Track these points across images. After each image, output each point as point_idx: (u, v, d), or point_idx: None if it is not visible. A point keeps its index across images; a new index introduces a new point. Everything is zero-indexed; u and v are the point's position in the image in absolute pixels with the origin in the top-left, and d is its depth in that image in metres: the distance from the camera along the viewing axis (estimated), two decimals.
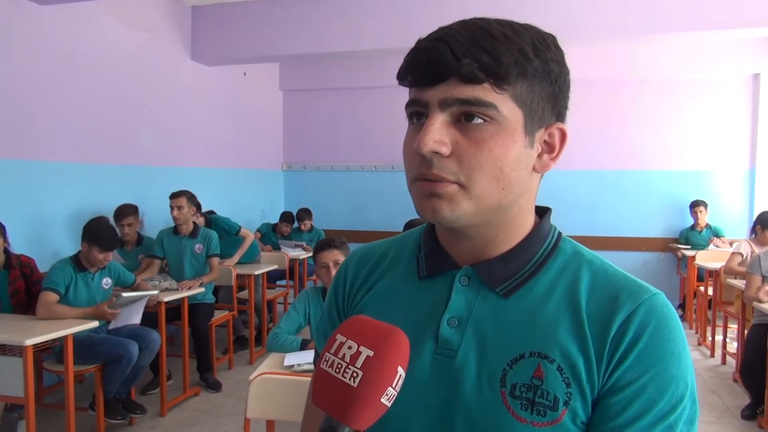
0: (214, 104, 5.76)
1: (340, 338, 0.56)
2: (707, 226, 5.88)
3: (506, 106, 0.59)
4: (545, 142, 0.63)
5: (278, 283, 5.83)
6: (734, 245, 4.52)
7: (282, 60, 6.56)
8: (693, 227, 5.93)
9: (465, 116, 0.59)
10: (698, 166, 6.24)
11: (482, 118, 0.58)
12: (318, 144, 7.16)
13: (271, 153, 7.15)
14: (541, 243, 0.67)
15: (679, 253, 5.88)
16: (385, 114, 6.59)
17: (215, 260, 4.17)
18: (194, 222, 4.19)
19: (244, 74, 6.31)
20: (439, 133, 0.58)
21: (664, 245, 6.28)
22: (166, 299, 3.58)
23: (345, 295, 0.77)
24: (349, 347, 0.54)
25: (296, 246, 5.80)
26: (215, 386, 3.99)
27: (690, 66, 5.95)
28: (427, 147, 0.58)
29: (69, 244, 3.91)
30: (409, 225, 3.01)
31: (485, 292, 0.65)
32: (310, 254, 5.69)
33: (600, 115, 6.23)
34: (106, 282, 3.33)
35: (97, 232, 3.20)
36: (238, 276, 4.58)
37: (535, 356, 0.61)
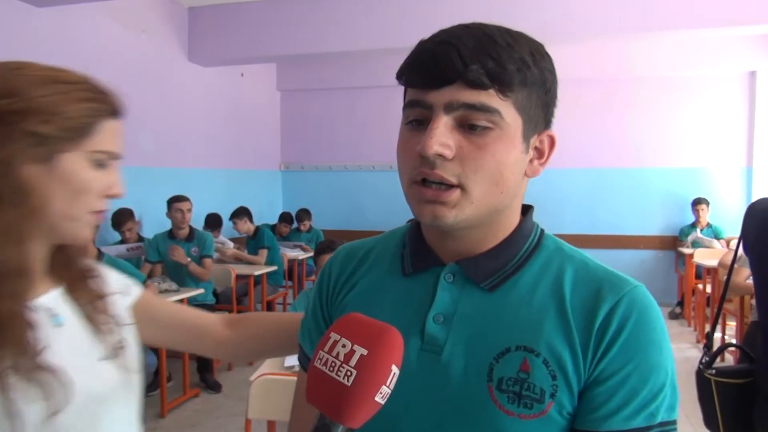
0: (211, 105, 5.76)
1: (334, 336, 0.56)
2: (708, 224, 5.88)
3: (509, 113, 0.60)
4: (536, 148, 0.65)
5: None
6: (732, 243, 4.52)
7: (279, 60, 6.56)
8: (694, 225, 5.93)
9: (468, 120, 0.60)
10: (696, 163, 6.25)
11: (486, 124, 0.59)
12: (316, 144, 7.16)
13: (268, 153, 7.15)
14: (525, 239, 0.68)
15: (686, 249, 5.82)
16: (383, 113, 6.59)
17: (208, 261, 4.19)
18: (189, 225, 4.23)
19: (242, 75, 6.31)
20: (443, 136, 0.59)
21: (662, 243, 6.29)
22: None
23: (329, 293, 0.77)
24: (343, 345, 0.54)
25: (295, 246, 5.81)
26: (215, 387, 3.99)
27: (687, 63, 5.96)
28: (432, 149, 0.58)
29: None
30: None
31: (470, 288, 0.66)
32: (310, 254, 5.70)
33: (597, 112, 6.24)
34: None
35: None
36: (238, 277, 4.59)
37: (521, 350, 0.62)
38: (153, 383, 3.85)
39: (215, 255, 4.58)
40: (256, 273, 4.71)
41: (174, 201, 4.15)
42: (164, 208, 4.19)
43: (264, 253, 5.09)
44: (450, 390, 0.63)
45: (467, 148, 0.60)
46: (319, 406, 0.55)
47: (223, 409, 3.70)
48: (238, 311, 4.78)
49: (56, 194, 0.72)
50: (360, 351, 0.53)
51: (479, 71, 0.58)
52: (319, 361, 0.55)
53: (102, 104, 0.77)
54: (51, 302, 0.75)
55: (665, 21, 4.27)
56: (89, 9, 4.15)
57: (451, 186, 0.61)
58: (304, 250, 5.76)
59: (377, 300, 0.70)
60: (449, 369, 0.64)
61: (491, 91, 0.59)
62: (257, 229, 5.28)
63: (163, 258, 4.16)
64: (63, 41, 3.99)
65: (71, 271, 0.80)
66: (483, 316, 0.65)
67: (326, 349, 0.55)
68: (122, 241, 4.19)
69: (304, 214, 6.15)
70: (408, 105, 0.63)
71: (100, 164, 0.77)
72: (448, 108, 0.59)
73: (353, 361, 0.53)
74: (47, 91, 0.71)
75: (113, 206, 4.17)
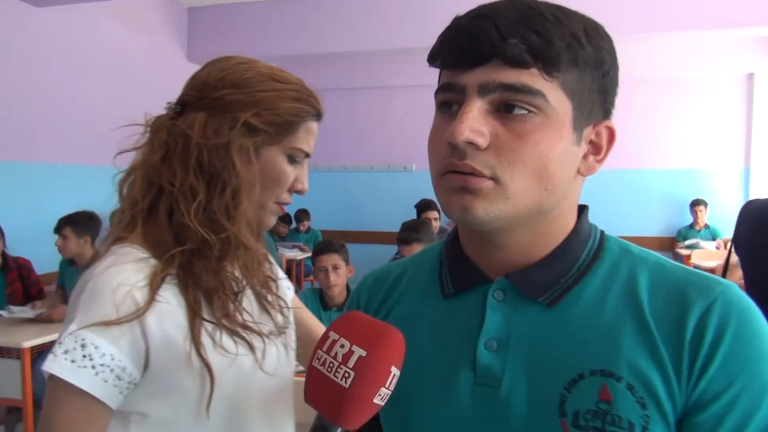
0: None
1: (332, 336, 0.54)
2: (706, 225, 5.90)
3: (555, 96, 0.51)
4: (591, 141, 0.55)
5: None
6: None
7: (278, 61, 6.55)
8: (692, 226, 5.95)
9: (507, 105, 0.51)
10: (694, 164, 6.26)
11: (527, 108, 0.50)
12: (315, 144, 7.14)
13: None
14: (584, 244, 0.58)
15: (684, 250, 5.85)
16: (382, 114, 6.58)
17: None
18: None
19: None
20: (476, 122, 0.50)
21: (661, 244, 6.29)
22: None
23: None
24: (342, 346, 0.53)
25: (293, 247, 5.81)
26: None
27: (685, 65, 5.97)
28: (463, 136, 0.50)
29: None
30: (405, 227, 3.01)
31: (525, 305, 0.56)
32: (308, 255, 5.70)
33: None
34: None
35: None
36: None
37: (598, 375, 0.51)
38: None
39: None
40: None
41: None
42: None
43: None
44: (514, 430, 0.53)
45: (504, 136, 0.51)
46: (317, 406, 0.54)
47: None
48: None
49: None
50: (359, 352, 0.52)
51: (520, 46, 0.49)
52: (317, 360, 0.54)
53: (308, 106, 0.83)
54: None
55: (664, 22, 4.29)
56: (88, 9, 4.15)
57: (483, 176, 0.51)
58: (302, 250, 5.76)
59: (415, 327, 0.60)
60: (511, 405, 0.53)
61: (534, 70, 0.50)
62: None
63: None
64: (62, 41, 3.99)
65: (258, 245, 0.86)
66: (545, 338, 0.54)
67: (325, 348, 0.54)
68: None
69: (302, 214, 6.15)
70: (440, 89, 0.55)
71: (293, 160, 0.84)
72: (483, 90, 0.51)
73: (351, 363, 0.52)
74: (266, 87, 0.79)
75: (117, 204, 4.16)
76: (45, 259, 3.67)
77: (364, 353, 0.52)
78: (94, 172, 4.26)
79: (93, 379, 0.68)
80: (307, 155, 0.86)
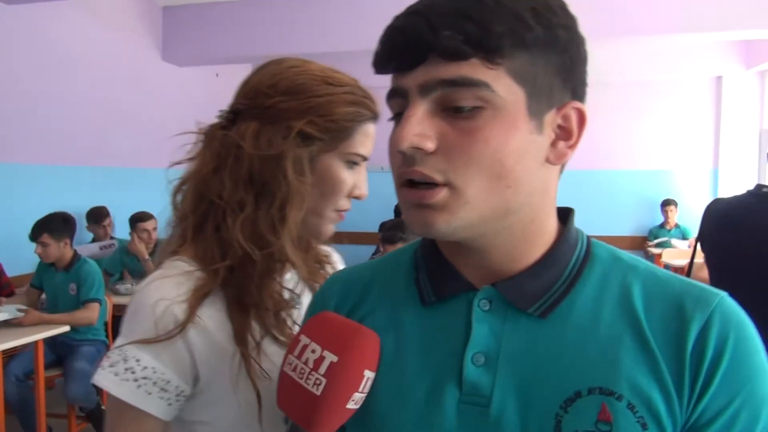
0: (186, 105, 5.69)
1: (303, 340, 0.53)
2: (676, 225, 6.05)
3: (502, 84, 0.47)
4: (559, 126, 0.51)
5: None
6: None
7: (254, 61, 6.49)
8: (663, 225, 6.09)
9: (452, 102, 0.47)
10: (664, 165, 6.41)
11: (474, 103, 0.47)
12: None
13: None
14: (572, 250, 0.54)
15: (654, 249, 5.99)
16: None
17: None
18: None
19: (216, 75, 6.25)
20: (420, 125, 0.47)
21: (632, 243, 6.42)
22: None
23: None
24: (313, 351, 0.51)
25: None
26: None
27: (655, 68, 6.10)
28: (407, 142, 0.47)
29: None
30: (389, 227, 3.02)
31: (515, 315, 0.52)
32: None
33: None
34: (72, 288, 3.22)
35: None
36: None
37: (596, 393, 0.48)
38: None
39: None
40: None
41: (138, 221, 3.89)
42: (138, 209, 4.10)
43: None
44: None
45: (453, 135, 0.47)
46: (289, 413, 0.53)
47: None
48: None
49: (311, 191, 0.76)
50: (330, 357, 0.50)
51: (455, 37, 0.46)
52: (288, 366, 0.53)
53: (364, 109, 0.79)
54: (291, 284, 0.81)
55: (634, 26, 4.38)
56: (61, 6, 4.07)
57: (437, 185, 0.48)
58: None
59: (394, 340, 0.55)
60: (501, 425, 0.49)
61: (474, 60, 0.46)
62: None
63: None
64: (33, 39, 3.91)
65: (309, 256, 0.85)
66: (538, 352, 0.50)
67: (296, 353, 0.53)
68: (94, 240, 4.13)
69: None
70: (388, 97, 0.52)
71: (351, 165, 0.80)
72: (424, 90, 0.48)
73: (323, 369, 0.50)
74: (320, 92, 0.75)
75: (91, 204, 4.10)
76: (16, 260, 3.59)
77: (335, 359, 0.50)
78: (67, 172, 4.19)
79: (135, 392, 0.69)
80: (366, 159, 0.83)
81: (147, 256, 3.81)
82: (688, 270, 2.09)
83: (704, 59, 5.98)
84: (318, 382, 0.50)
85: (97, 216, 4.08)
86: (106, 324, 3.38)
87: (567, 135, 0.51)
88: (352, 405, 0.52)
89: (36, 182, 3.92)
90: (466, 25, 0.46)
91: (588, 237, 0.57)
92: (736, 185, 5.93)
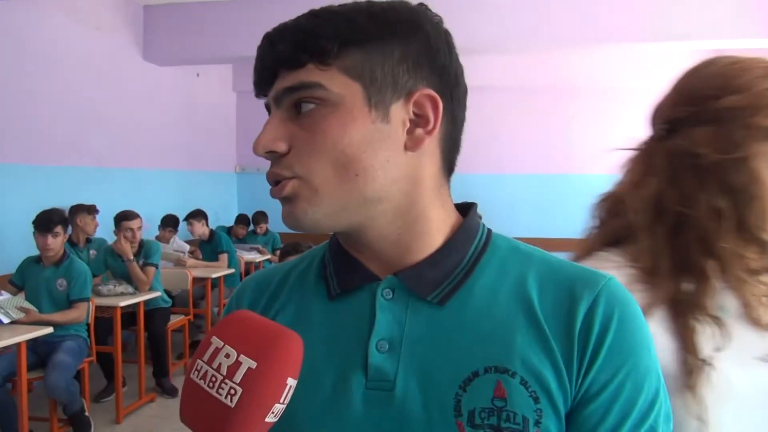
0: (166, 105, 5.67)
1: (216, 342, 0.45)
2: None
3: (335, 82, 0.52)
4: (415, 113, 0.54)
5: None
6: None
7: (235, 61, 6.50)
8: None
9: (296, 105, 0.53)
10: None
11: (312, 102, 0.52)
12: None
13: (224, 155, 7.08)
14: (472, 239, 0.58)
15: None
16: None
17: (151, 269, 3.98)
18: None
19: (197, 75, 6.24)
20: (273, 131, 0.53)
21: None
22: (122, 304, 3.53)
23: None
24: (227, 355, 0.44)
25: (251, 249, 5.78)
26: (171, 392, 3.94)
27: (627, 74, 6.26)
28: (260, 147, 0.53)
29: (18, 248, 3.79)
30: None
31: (416, 303, 0.55)
32: (267, 257, 5.69)
33: (543, 120, 6.52)
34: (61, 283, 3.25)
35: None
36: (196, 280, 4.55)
37: (492, 371, 0.51)
38: (107, 389, 3.78)
39: (171, 264, 4.60)
40: (213, 276, 4.67)
41: (123, 219, 3.86)
42: (118, 209, 4.07)
43: (224, 257, 5.06)
44: None
45: (299, 134, 0.52)
46: (194, 428, 0.45)
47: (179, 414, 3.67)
48: (195, 315, 4.73)
49: None
50: (247, 363, 0.44)
51: (290, 49, 0.52)
52: (196, 373, 0.45)
53: None
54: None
55: (610, 34, 4.52)
56: (40, 3, 4.04)
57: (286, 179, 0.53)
58: (260, 252, 5.74)
59: (302, 332, 0.53)
60: (405, 408, 0.52)
61: (310, 66, 0.52)
62: (212, 232, 5.22)
63: (112, 269, 3.97)
64: (12, 36, 3.87)
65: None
66: (438, 337, 0.53)
67: (206, 358, 0.45)
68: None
69: (260, 216, 6.12)
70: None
71: None
72: (277, 100, 0.54)
73: (238, 376, 0.43)
74: (766, 84, 0.71)
75: (68, 204, 4.06)
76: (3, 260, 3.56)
77: (253, 365, 0.44)
78: (44, 171, 4.15)
79: None
80: None
81: (131, 257, 3.81)
82: None
83: (675, 67, 6.08)
84: (232, 391, 0.43)
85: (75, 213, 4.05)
86: (88, 325, 3.38)
87: (424, 122, 0.54)
88: (272, 418, 0.45)
89: (12, 182, 3.87)
90: (300, 37, 0.52)
91: (489, 229, 0.60)
92: None
